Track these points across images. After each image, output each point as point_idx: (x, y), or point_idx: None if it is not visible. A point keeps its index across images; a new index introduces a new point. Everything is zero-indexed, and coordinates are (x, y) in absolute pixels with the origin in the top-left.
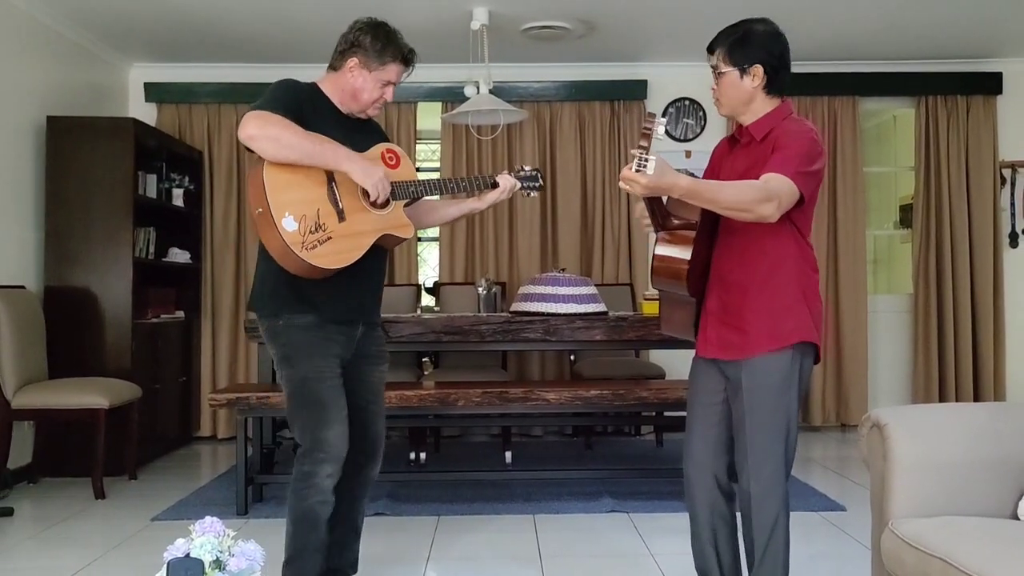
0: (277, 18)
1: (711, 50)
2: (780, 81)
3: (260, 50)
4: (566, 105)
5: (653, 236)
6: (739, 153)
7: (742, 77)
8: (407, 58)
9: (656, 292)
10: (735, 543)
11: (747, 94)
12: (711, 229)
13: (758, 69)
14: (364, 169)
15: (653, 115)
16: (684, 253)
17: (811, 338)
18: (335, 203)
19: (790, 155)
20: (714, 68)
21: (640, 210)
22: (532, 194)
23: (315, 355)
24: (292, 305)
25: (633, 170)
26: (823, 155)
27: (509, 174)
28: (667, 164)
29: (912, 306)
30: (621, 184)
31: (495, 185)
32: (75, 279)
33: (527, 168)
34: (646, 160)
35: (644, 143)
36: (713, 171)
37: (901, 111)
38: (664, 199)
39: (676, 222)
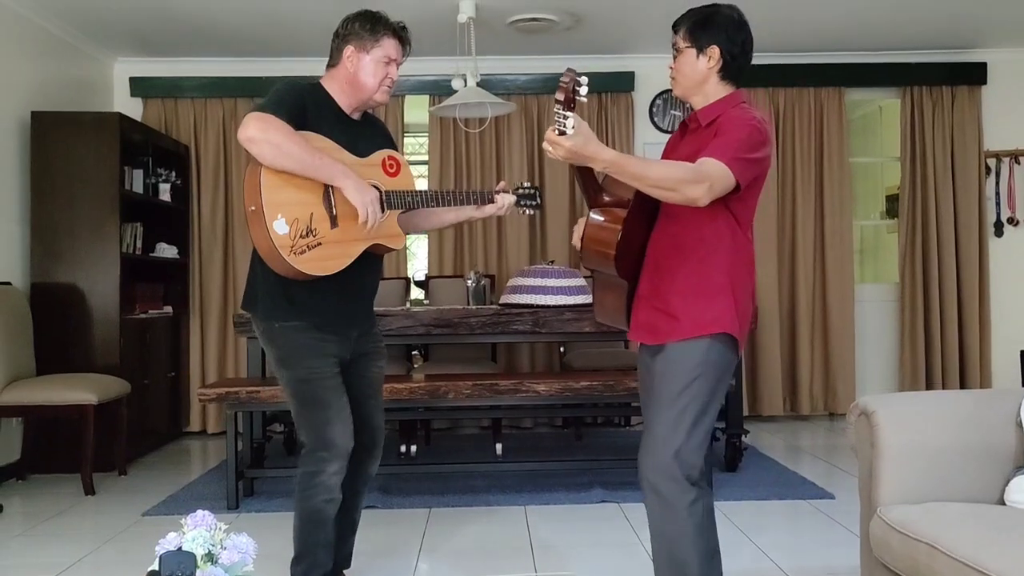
0: (262, 12)
1: (675, 28)
2: (737, 69)
3: (246, 44)
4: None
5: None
6: (687, 139)
7: (698, 56)
8: (399, 32)
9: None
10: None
11: (701, 75)
12: (651, 213)
13: (715, 51)
14: (358, 188)
15: (572, 71)
16: (613, 233)
17: (730, 330)
18: (329, 208)
19: (729, 140)
20: (674, 45)
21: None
22: (528, 212)
23: (311, 356)
24: (285, 311)
25: (556, 132)
26: (767, 144)
27: (508, 191)
28: (591, 132)
29: (899, 295)
30: (544, 146)
31: (492, 200)
32: (62, 275)
33: (526, 185)
34: (565, 119)
35: (560, 97)
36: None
37: (887, 102)
38: (600, 176)
39: (607, 199)
